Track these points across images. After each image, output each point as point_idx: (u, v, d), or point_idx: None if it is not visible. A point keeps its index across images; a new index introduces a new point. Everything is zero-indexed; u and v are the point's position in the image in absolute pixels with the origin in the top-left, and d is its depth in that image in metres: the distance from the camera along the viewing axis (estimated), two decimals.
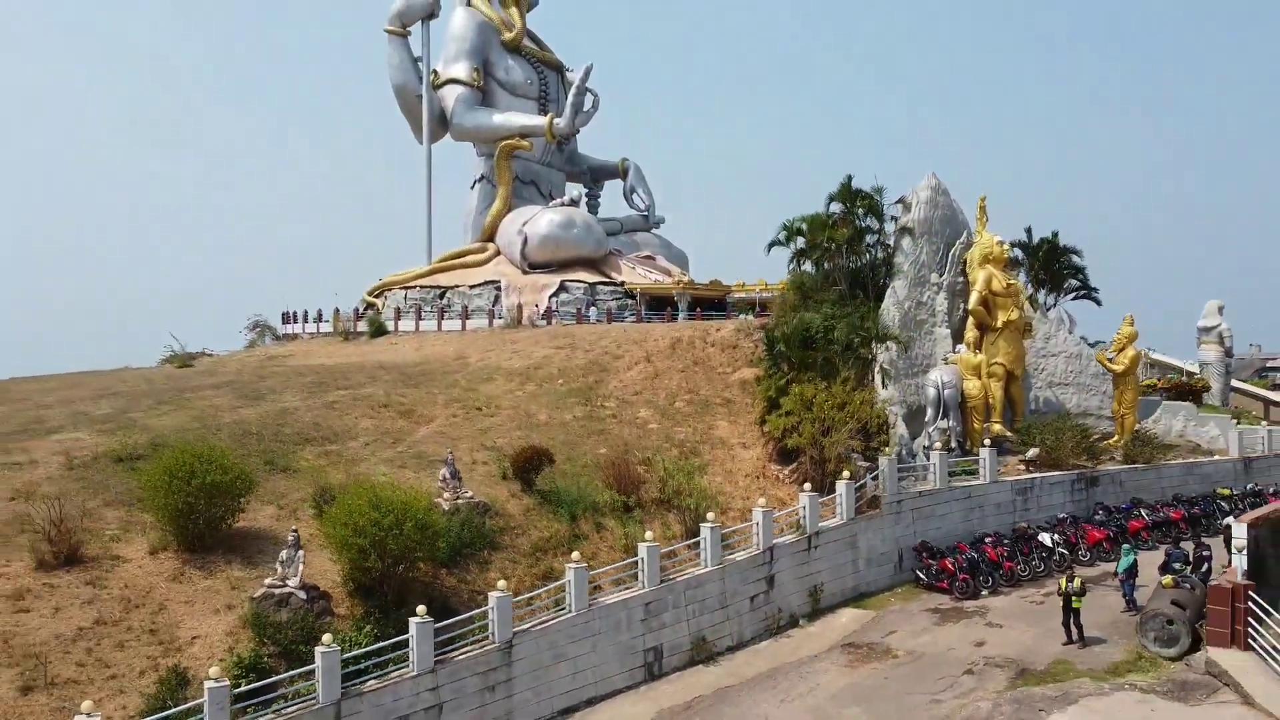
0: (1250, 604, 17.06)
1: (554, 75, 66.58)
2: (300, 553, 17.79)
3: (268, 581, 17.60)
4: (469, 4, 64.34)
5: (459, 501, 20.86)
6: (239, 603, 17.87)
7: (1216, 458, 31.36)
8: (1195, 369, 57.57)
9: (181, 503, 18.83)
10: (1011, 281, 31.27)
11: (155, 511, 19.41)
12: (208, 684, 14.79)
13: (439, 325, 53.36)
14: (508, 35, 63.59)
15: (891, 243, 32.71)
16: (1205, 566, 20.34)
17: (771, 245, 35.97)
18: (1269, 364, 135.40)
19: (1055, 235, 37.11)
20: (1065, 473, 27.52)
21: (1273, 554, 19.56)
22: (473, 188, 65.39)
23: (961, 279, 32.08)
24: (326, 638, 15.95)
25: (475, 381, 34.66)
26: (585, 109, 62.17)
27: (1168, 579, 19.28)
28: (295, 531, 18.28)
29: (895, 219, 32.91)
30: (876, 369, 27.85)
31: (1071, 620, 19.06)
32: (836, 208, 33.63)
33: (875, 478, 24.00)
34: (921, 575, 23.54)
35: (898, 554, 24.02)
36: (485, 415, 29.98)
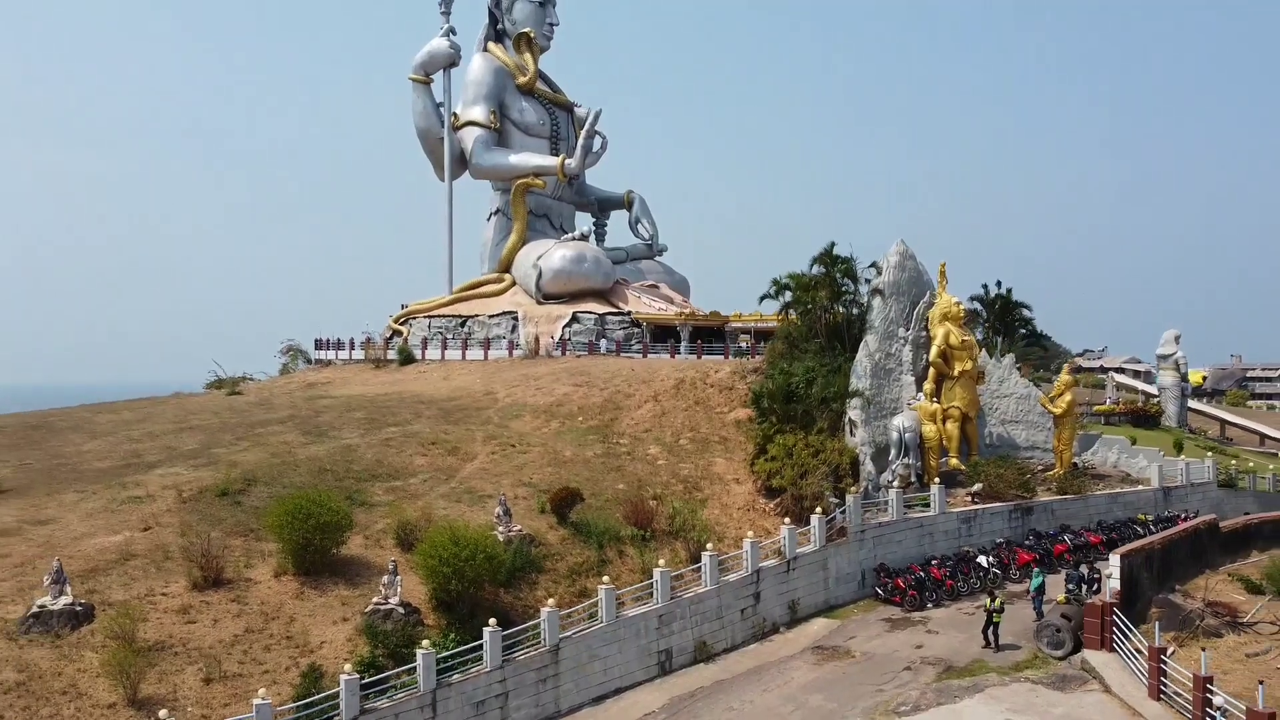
0: (1114, 618, 22.88)
1: (564, 115, 72.45)
2: (399, 578, 23.62)
3: (375, 600, 23.44)
4: (486, 50, 70.16)
5: (511, 534, 26.67)
6: (351, 615, 23.70)
7: (1139, 487, 37.11)
8: (1157, 391, 63.57)
9: (300, 537, 24.66)
10: (966, 337, 37.00)
11: (279, 543, 25.24)
12: (342, 677, 20.57)
13: (463, 354, 59.16)
14: (522, 79, 69.42)
15: (865, 301, 38.53)
16: (1096, 586, 26.12)
17: (763, 298, 41.96)
18: (1249, 374, 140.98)
19: (1009, 291, 42.91)
20: (1004, 504, 33.32)
21: (1144, 576, 25.40)
22: (489, 219, 71.33)
23: (924, 333, 37.84)
24: (426, 643, 21.75)
25: (506, 418, 40.53)
26: (594, 150, 68.03)
27: (1061, 596, 25.08)
28: (394, 562, 24.14)
29: (869, 281, 38.71)
30: (847, 420, 33.68)
31: (991, 630, 24.85)
32: (819, 269, 39.47)
33: (843, 512, 29.80)
34: (879, 591, 29.38)
35: (861, 574, 29.86)
36: (519, 452, 35.82)
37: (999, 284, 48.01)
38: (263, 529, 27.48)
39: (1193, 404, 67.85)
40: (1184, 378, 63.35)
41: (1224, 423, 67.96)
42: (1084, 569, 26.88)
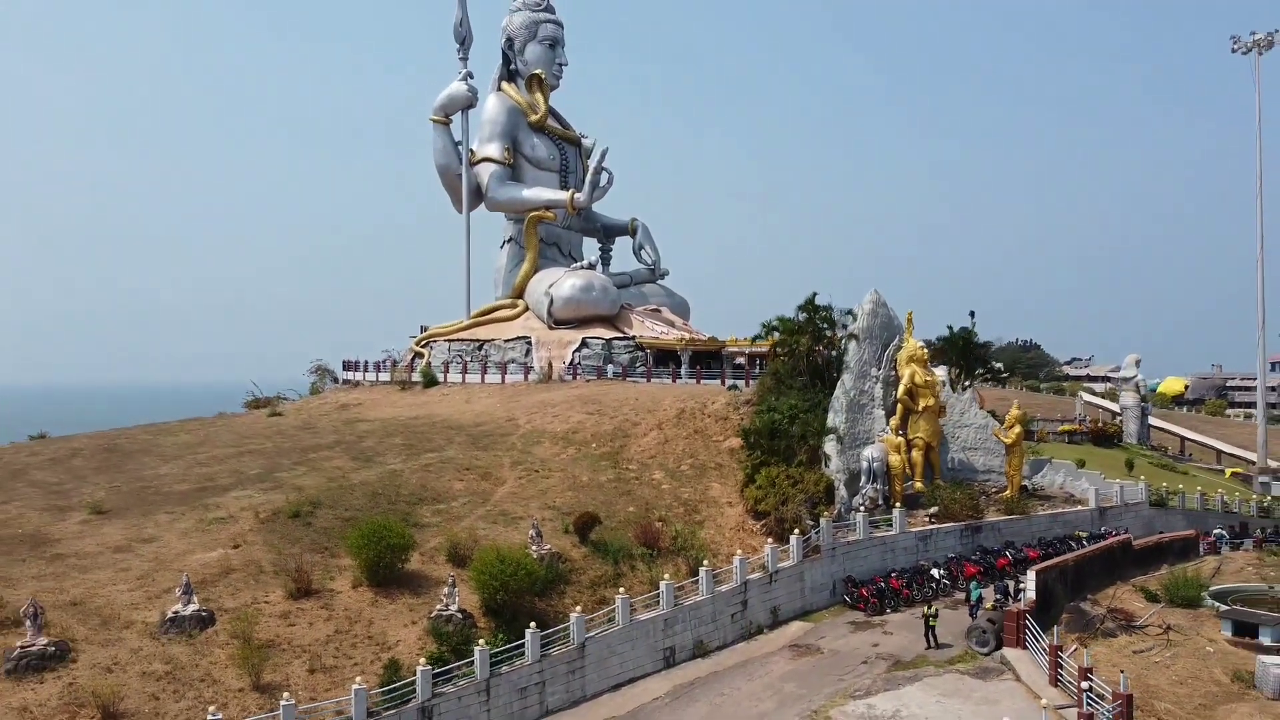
0: (1027, 622, 29.07)
1: (573, 149, 78.78)
2: (456, 589, 29.81)
3: (438, 607, 29.64)
4: (500, 89, 76.37)
5: (543, 553, 32.85)
6: (418, 619, 29.89)
7: (1078, 508, 43.27)
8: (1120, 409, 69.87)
9: (374, 555, 30.85)
10: (929, 377, 43.17)
11: (355, 559, 31.38)
12: (418, 668, 26.73)
13: (482, 378, 65.34)
14: (533, 117, 75.72)
15: (842, 344, 44.70)
16: (1019, 595, 32.28)
17: (755, 338, 48.04)
18: (1228, 383, 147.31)
19: (969, 332, 48.97)
20: (957, 523, 39.48)
21: (1059, 588, 31.60)
22: (502, 247, 77.66)
23: (893, 373, 44.01)
24: (481, 642, 27.92)
25: (528, 444, 46.73)
26: (601, 184, 74.29)
27: (989, 604, 31.25)
28: (453, 577, 30.36)
29: (845, 326, 44.90)
30: (823, 452, 39.88)
31: (929, 632, 31.02)
32: (803, 315, 45.67)
33: (818, 532, 35.97)
34: (847, 599, 35.56)
35: (832, 584, 36.04)
36: (542, 477, 42.04)
37: (972, 315, 53.83)
38: (335, 546, 33.75)
39: (1155, 421, 74.16)
40: (1144, 399, 69.73)
41: (1184, 439, 74.15)
42: (1009, 582, 33.08)
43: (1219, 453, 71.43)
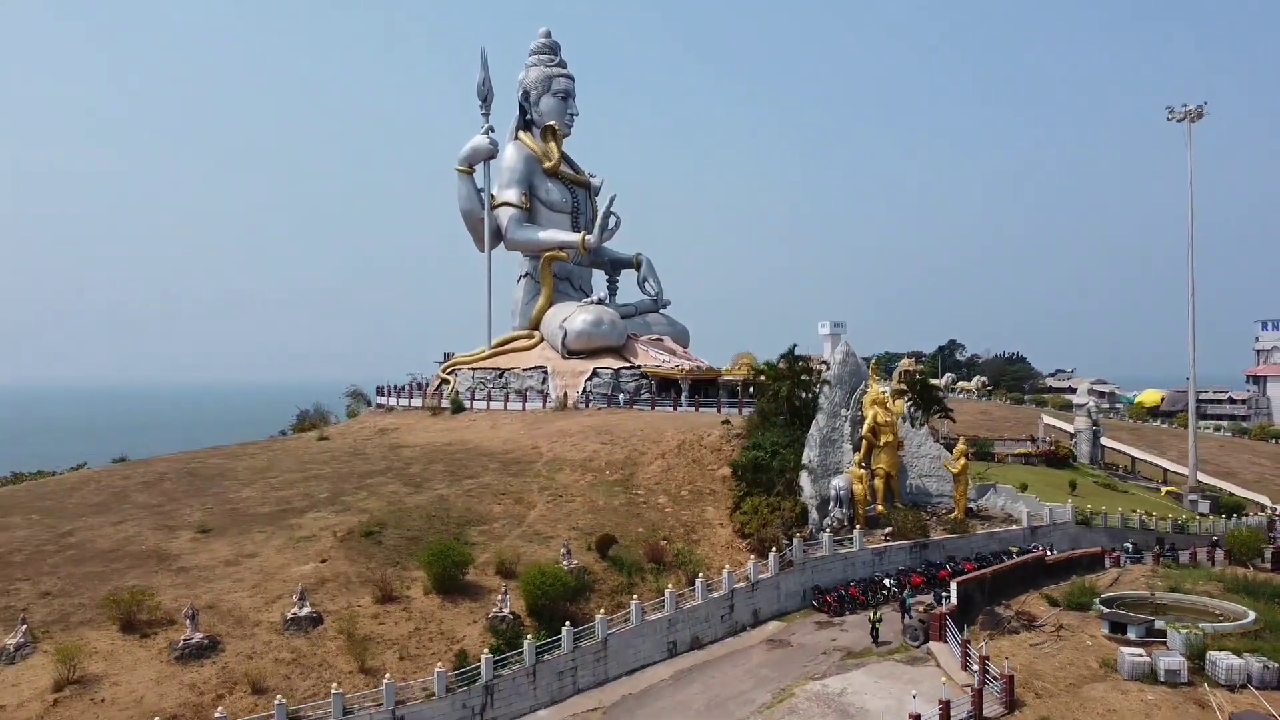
0: (948, 622, 38.47)
1: (584, 193, 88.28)
2: (508, 596, 39.23)
3: (493, 610, 39.03)
4: (518, 137, 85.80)
5: (572, 567, 42.25)
6: (478, 620, 39.23)
7: (1013, 527, 52.64)
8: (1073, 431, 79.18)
9: (441, 569, 40.23)
10: (889, 417, 52.52)
11: (426, 572, 40.73)
12: (484, 656, 36.11)
13: (505, 405, 74.77)
14: (548, 164, 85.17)
15: (817, 389, 54.08)
16: (944, 601, 41.59)
17: (745, 381, 57.39)
18: (1201, 396, 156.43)
19: (926, 375, 58.40)
20: (907, 541, 48.85)
21: (978, 595, 41.02)
22: (519, 280, 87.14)
23: (859, 413, 53.37)
24: (529, 637, 37.30)
25: (552, 471, 56.14)
26: (610, 227, 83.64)
27: (922, 608, 40.65)
28: (505, 586, 39.79)
29: (820, 374, 54.30)
30: (799, 485, 49.28)
31: (874, 631, 40.35)
32: (784, 364, 55.08)
33: (792, 550, 45.33)
34: (814, 603, 44.94)
35: (803, 591, 45.44)
36: (565, 501, 51.43)
37: (947, 348, 63.25)
38: (404, 561, 43.14)
39: (1107, 441, 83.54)
40: (1095, 423, 79.09)
41: (1134, 458, 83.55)
42: (940, 591, 42.50)
43: (1165, 471, 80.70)
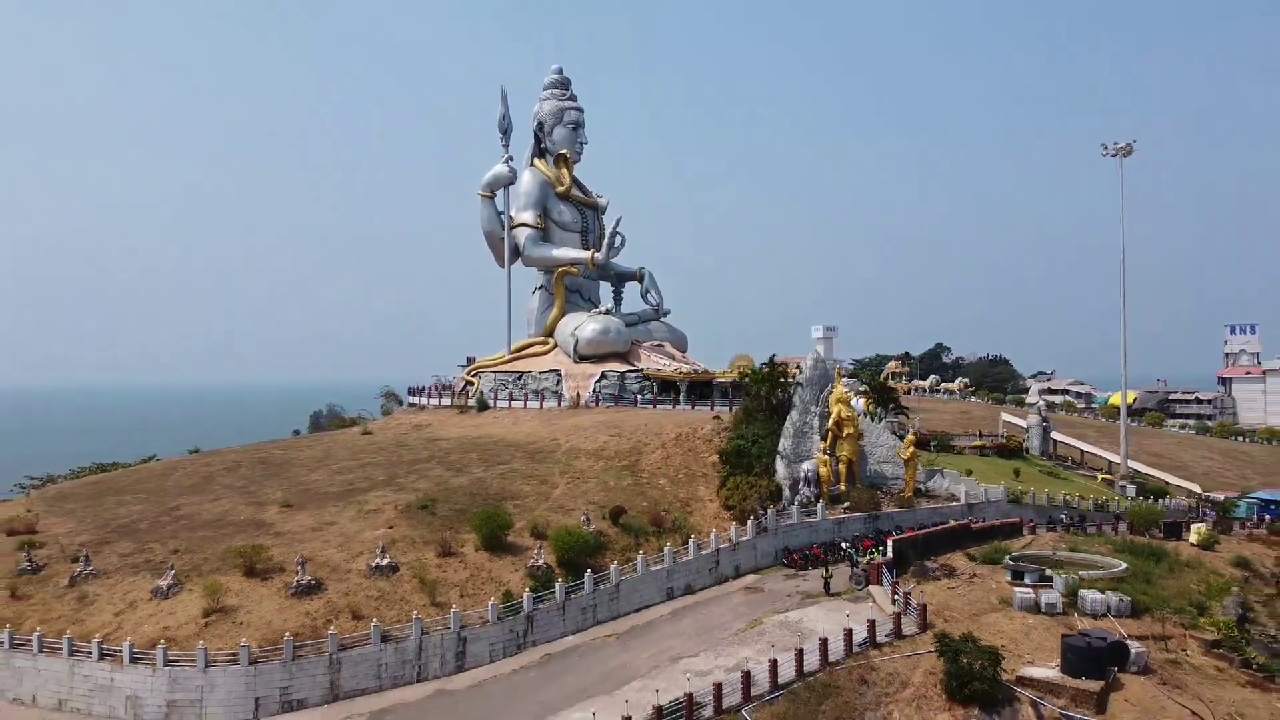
0: (884, 570, 50.44)
1: (593, 214, 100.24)
2: (542, 551, 51.26)
3: (530, 562, 51.02)
4: (533, 164, 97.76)
5: (591, 531, 54.27)
6: (519, 569, 51.11)
7: (953, 503, 64.55)
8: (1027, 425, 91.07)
9: (489, 531, 52.26)
10: (850, 413, 64.49)
11: (475, 534, 52.70)
12: (525, 594, 48.10)
13: (524, 404, 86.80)
14: (560, 188, 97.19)
15: (792, 390, 66.10)
16: (884, 554, 53.45)
17: (734, 383, 69.48)
18: (1170, 396, 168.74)
19: (884, 378, 70.42)
20: (863, 513, 60.79)
21: (910, 552, 53.02)
22: (534, 293, 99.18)
23: (827, 409, 65.40)
24: (559, 582, 49.26)
25: (570, 459, 68.16)
26: (616, 245, 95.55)
27: (866, 560, 52.62)
28: (540, 544, 51.82)
29: (794, 378, 66.33)
30: (774, 468, 61.32)
31: (827, 584, 52.21)
32: (765, 367, 67.18)
33: (767, 519, 57.31)
34: (784, 561, 56.90)
35: (775, 552, 57.41)
36: (582, 482, 63.45)
37: (904, 359, 75.06)
38: (457, 527, 55.07)
39: (1058, 435, 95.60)
40: (1045, 420, 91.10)
41: (1083, 451, 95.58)
42: (880, 548, 54.50)
43: (1109, 462, 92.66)
